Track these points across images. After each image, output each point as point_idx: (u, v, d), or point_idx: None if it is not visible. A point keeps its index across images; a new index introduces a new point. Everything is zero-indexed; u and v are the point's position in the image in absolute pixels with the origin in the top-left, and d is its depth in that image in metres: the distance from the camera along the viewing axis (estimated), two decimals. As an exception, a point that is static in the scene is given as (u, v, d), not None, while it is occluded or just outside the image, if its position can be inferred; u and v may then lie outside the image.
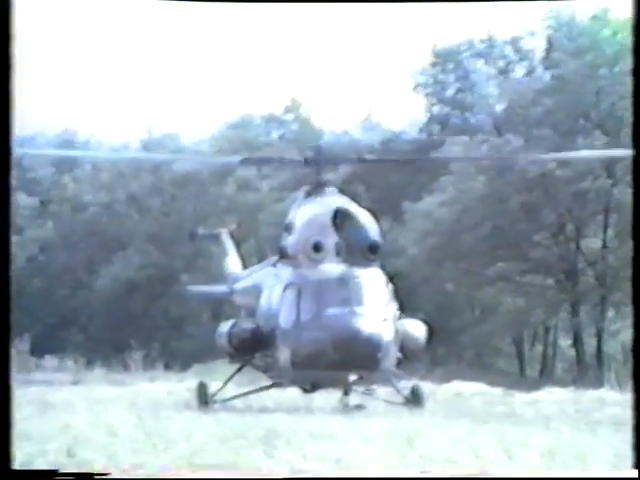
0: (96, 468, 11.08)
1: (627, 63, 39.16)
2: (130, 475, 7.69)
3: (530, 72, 45.20)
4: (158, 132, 52.34)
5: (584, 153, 35.27)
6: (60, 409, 18.30)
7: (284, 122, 53.70)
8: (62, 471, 7.73)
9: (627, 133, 38.36)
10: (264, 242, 41.86)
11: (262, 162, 45.19)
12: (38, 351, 40.76)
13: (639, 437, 8.98)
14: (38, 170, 52.66)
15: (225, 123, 52.92)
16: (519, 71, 45.91)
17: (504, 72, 46.14)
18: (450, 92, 46.75)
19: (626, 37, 38.11)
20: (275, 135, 53.16)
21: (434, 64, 46.51)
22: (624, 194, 38.77)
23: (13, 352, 11.42)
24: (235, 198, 48.27)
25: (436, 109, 47.20)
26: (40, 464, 11.47)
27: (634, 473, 8.64)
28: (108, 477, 7.77)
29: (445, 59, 46.38)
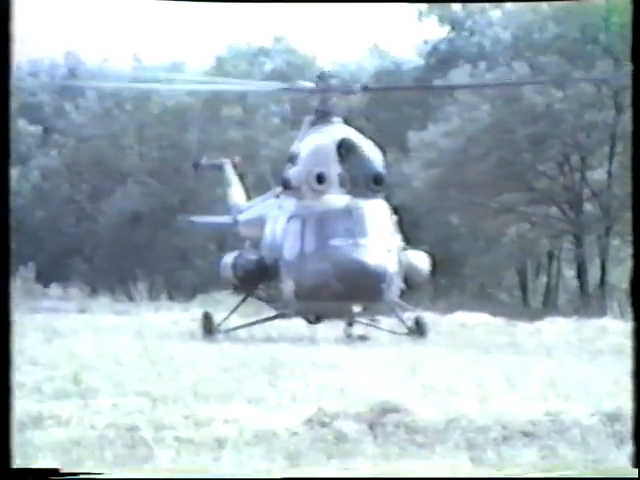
0: (101, 397, 11.20)
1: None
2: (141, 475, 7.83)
3: None
4: (148, 62, 51.60)
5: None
6: (66, 337, 18.47)
7: (276, 53, 53.07)
8: (64, 471, 7.84)
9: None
10: (267, 172, 41.77)
11: (269, 91, 44.85)
12: (43, 279, 40.95)
13: (638, 433, 9.04)
14: (40, 96, 52.20)
15: (215, 56, 52.12)
16: None
17: None
18: (458, 16, 46.01)
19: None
20: (269, 67, 52.49)
21: None
22: (630, 123, 38.52)
23: (18, 282, 11.50)
24: (238, 128, 48.00)
25: (443, 34, 46.53)
26: (47, 389, 11.62)
27: (634, 473, 8.72)
28: (113, 477, 7.87)
29: None
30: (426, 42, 46.30)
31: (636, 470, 8.80)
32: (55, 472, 7.86)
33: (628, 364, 14.63)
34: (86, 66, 51.05)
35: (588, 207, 39.89)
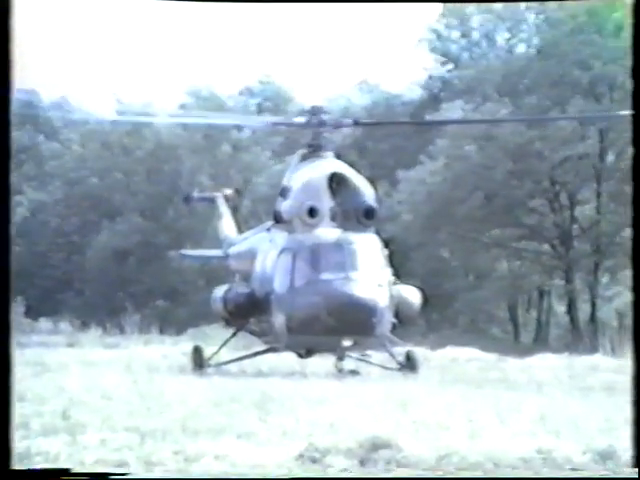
0: (90, 432, 11.10)
1: (617, 29, 39.20)
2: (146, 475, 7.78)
3: (528, 34, 45.00)
4: (130, 102, 51.76)
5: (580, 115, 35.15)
6: (55, 371, 18.35)
7: (261, 92, 53.32)
8: (74, 471, 7.79)
9: (617, 98, 38.46)
10: (259, 206, 41.81)
11: (260, 124, 45.03)
12: (33, 313, 40.80)
13: (638, 433, 9.01)
14: (17, 134, 52.08)
15: (194, 94, 52.22)
16: (521, 33, 45.61)
17: (506, 33, 45.88)
18: (452, 52, 46.38)
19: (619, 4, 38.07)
20: (253, 103, 52.72)
21: (438, 22, 46.16)
22: (617, 160, 38.81)
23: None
24: (228, 163, 48.14)
25: (436, 70, 46.88)
26: (35, 425, 11.51)
27: (634, 473, 8.69)
28: (123, 477, 7.82)
29: (450, 16, 45.96)
30: (430, 77, 46.53)
31: (636, 470, 8.76)
32: (59, 472, 7.75)
33: (619, 401, 14.62)
34: (71, 104, 51.19)
35: (577, 243, 40.03)
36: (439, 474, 9.44)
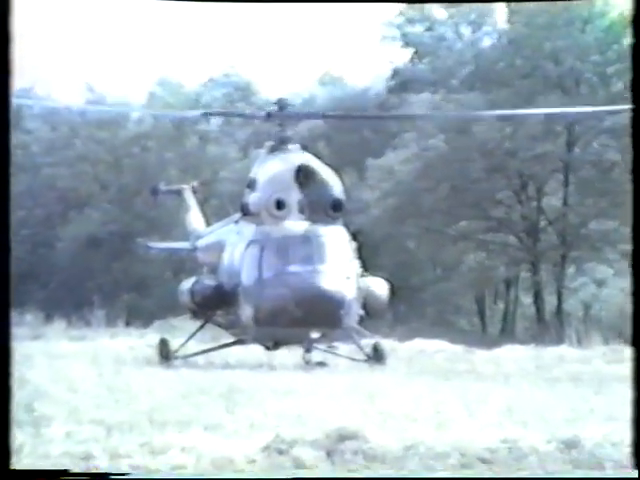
0: (55, 424, 11.03)
1: (584, 23, 39.42)
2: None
3: (494, 28, 45.12)
4: (102, 91, 51.43)
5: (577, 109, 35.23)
6: (20, 363, 18.18)
7: (225, 84, 53.20)
8: (73, 471, 7.74)
9: (584, 91, 38.70)
10: (226, 199, 41.69)
11: (225, 115, 44.94)
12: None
13: (638, 432, 9.06)
14: None
15: (161, 83, 52.05)
16: (486, 26, 45.72)
17: (471, 27, 45.97)
18: (418, 43, 46.37)
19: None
20: (218, 94, 52.54)
21: (403, 14, 46.18)
22: (583, 152, 39.06)
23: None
24: (196, 155, 47.99)
25: (401, 62, 46.90)
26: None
27: (634, 473, 8.76)
28: (123, 477, 7.77)
29: (416, 9, 46.01)
30: (395, 70, 46.44)
31: (636, 470, 8.82)
32: (59, 472, 7.69)
33: (585, 391, 14.71)
34: (37, 93, 50.79)
35: (544, 234, 40.26)
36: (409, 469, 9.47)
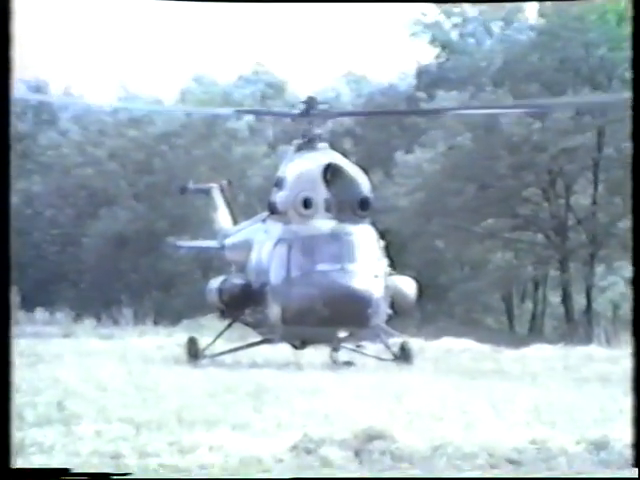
0: (85, 422, 11.10)
1: (616, 16, 39.10)
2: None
3: (523, 25, 44.93)
4: (134, 89, 51.80)
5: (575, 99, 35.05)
6: (50, 362, 18.34)
7: (255, 81, 53.35)
8: (74, 471, 7.80)
9: (616, 86, 38.38)
10: (254, 197, 41.75)
11: (256, 113, 45.03)
12: (28, 304, 40.73)
13: (638, 433, 9.01)
14: (16, 123, 52.28)
15: (196, 79, 52.35)
16: (514, 23, 45.54)
17: (502, 22, 45.78)
18: (447, 39, 46.28)
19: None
20: (248, 92, 52.73)
21: (430, 12, 46.14)
22: (613, 150, 38.77)
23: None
24: (225, 153, 48.10)
25: (431, 58, 46.82)
26: (29, 416, 11.50)
27: (634, 473, 8.71)
28: (124, 477, 7.82)
29: (442, 7, 45.96)
30: (421, 67, 46.35)
31: (636, 470, 8.78)
32: (59, 472, 7.75)
33: (614, 392, 14.64)
34: (72, 93, 51.19)
35: (573, 233, 40.03)
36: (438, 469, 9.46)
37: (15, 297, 38.52)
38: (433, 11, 46.29)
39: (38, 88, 52.20)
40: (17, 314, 37.61)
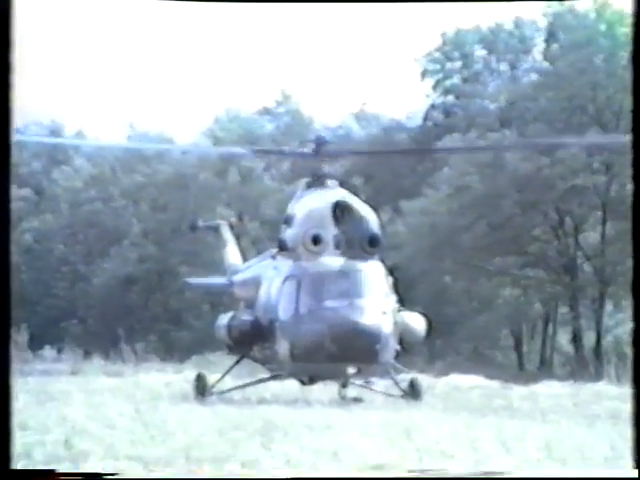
0: (93, 460, 11.07)
1: (624, 56, 39.21)
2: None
3: (531, 65, 45.19)
4: (143, 128, 52.29)
5: (578, 140, 35.13)
6: (58, 400, 18.31)
7: (277, 115, 53.75)
8: (63, 470, 7.75)
9: (624, 127, 38.41)
10: (263, 234, 41.85)
11: (268, 153, 45.25)
12: (37, 342, 40.75)
13: (639, 435, 8.97)
14: (31, 163, 52.77)
15: (215, 117, 52.84)
16: (523, 63, 45.83)
17: (508, 64, 46.07)
18: (453, 81, 46.64)
19: (623, 31, 38.05)
20: (269, 127, 53.15)
21: (438, 51, 46.47)
22: (622, 188, 38.78)
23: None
24: (235, 190, 48.27)
25: (438, 98, 47.11)
26: (38, 455, 11.46)
27: (634, 473, 8.64)
28: (116, 477, 7.78)
29: (451, 47, 46.31)
30: (433, 106, 46.67)
31: (636, 470, 8.71)
32: (58, 473, 7.71)
33: (625, 430, 14.54)
34: (83, 132, 51.71)
35: (582, 271, 39.97)
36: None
37: (24, 335, 38.63)
38: (440, 50, 46.59)
39: (53, 130, 52.76)
40: (25, 353, 37.60)
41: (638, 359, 9.23)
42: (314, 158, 21.57)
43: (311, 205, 20.63)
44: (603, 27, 40.18)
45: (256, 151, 41.74)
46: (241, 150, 35.24)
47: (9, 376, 7.64)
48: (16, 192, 47.87)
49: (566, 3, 42.50)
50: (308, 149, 21.88)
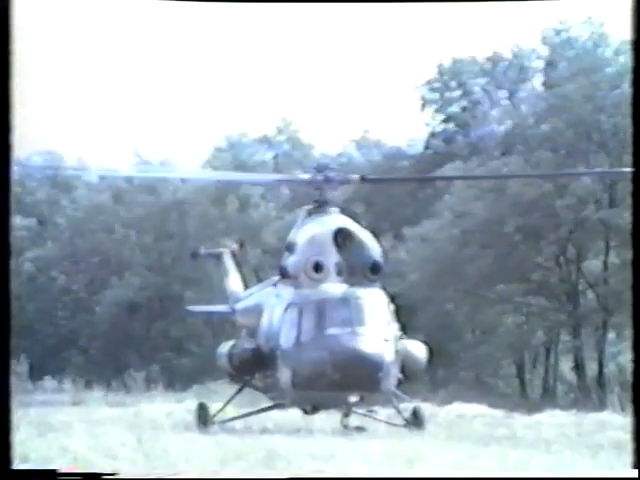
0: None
1: (628, 83, 39.24)
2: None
3: (531, 93, 45.30)
4: (147, 157, 52.35)
5: (582, 171, 35.22)
6: (59, 430, 18.21)
7: (276, 143, 53.91)
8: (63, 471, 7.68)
9: (629, 153, 38.34)
10: (265, 262, 41.82)
11: (267, 184, 45.27)
12: (38, 372, 40.61)
13: (639, 435, 8.90)
14: (34, 192, 52.91)
15: (214, 146, 52.96)
16: (522, 91, 45.96)
17: (508, 91, 46.21)
18: (453, 110, 46.81)
19: (627, 57, 38.11)
20: (269, 156, 53.28)
21: (437, 80, 46.67)
22: (625, 217, 38.72)
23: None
24: (236, 218, 48.30)
25: (438, 126, 47.26)
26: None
27: (634, 473, 8.57)
28: (115, 477, 7.71)
29: (449, 76, 46.52)
30: (433, 134, 46.81)
31: (636, 470, 8.63)
32: (56, 473, 7.63)
33: (628, 459, 14.45)
34: (84, 161, 51.83)
35: (584, 299, 39.87)
36: None
37: (24, 365, 38.44)
38: (439, 79, 46.76)
39: (54, 159, 52.87)
40: (26, 383, 37.43)
41: (638, 388, 9.17)
42: (315, 185, 21.55)
43: (313, 232, 20.61)
44: (607, 53, 40.29)
45: (261, 181, 41.78)
46: (241, 177, 35.35)
47: (9, 407, 7.58)
48: (19, 222, 48.00)
49: (563, 33, 42.70)
50: (313, 176, 21.82)
